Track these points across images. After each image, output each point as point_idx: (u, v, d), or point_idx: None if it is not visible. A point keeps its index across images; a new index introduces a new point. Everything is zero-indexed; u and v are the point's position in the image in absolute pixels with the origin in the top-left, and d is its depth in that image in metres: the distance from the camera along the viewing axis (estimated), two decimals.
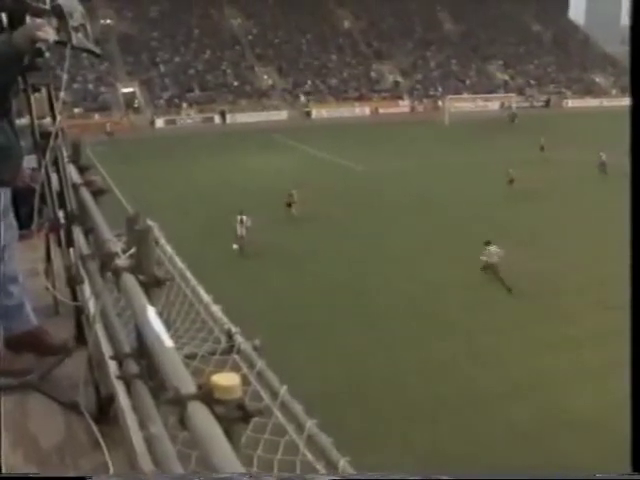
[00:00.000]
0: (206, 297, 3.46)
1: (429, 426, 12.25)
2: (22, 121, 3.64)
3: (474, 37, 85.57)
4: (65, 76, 3.17)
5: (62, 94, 3.46)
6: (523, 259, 20.20)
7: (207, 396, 1.79)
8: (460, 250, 21.27)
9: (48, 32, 3.06)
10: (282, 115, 64.20)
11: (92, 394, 3.19)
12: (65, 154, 3.85)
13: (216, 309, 3.42)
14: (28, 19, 3.11)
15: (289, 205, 26.90)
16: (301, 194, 26.99)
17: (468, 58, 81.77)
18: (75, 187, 4.30)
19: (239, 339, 3.22)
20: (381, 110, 67.69)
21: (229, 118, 62.18)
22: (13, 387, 3.44)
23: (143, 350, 2.63)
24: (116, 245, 3.07)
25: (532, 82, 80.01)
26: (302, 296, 18.46)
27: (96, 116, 58.95)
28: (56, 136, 3.32)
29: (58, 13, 3.11)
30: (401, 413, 12.63)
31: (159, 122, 60.59)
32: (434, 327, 16.46)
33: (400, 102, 71.07)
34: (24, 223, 4.04)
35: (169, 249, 3.79)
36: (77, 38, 3.14)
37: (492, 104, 71.03)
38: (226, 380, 1.81)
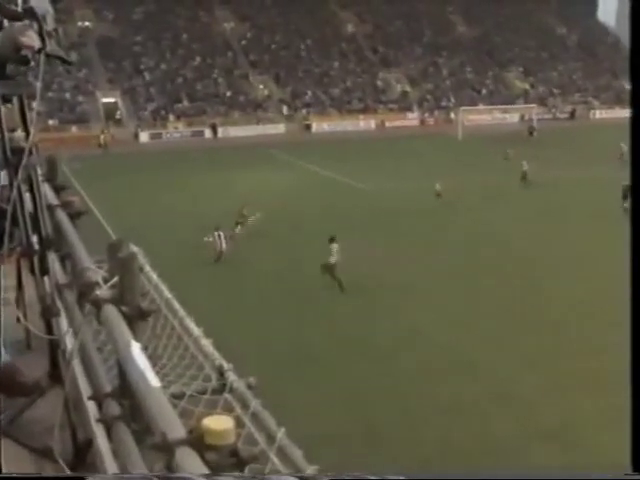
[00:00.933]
0: (196, 330, 3.43)
1: None
2: None
3: (490, 41, 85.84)
4: (39, 84, 3.17)
5: (36, 104, 3.42)
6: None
7: (198, 442, 1.78)
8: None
9: (32, 37, 3.03)
10: (279, 129, 64.43)
11: (68, 439, 3.16)
12: (39, 172, 3.82)
13: (207, 342, 3.39)
14: (6, 23, 3.08)
15: (239, 224, 27.18)
16: (302, 214, 27.00)
17: (484, 65, 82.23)
18: (51, 208, 4.30)
19: (232, 376, 3.21)
20: (388, 123, 68.31)
21: (221, 132, 62.26)
22: None
23: (126, 389, 2.62)
24: (96, 274, 3.07)
25: (555, 91, 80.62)
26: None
27: (73, 128, 59.33)
28: (30, 152, 3.27)
29: (31, 16, 3.07)
30: None
31: (143, 136, 60.72)
32: (450, 365, 16.72)
33: (409, 114, 71.83)
34: None
35: (154, 276, 3.77)
36: (50, 44, 3.12)
37: (511, 116, 71.25)
38: (218, 424, 1.80)
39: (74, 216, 4.49)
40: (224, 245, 24.75)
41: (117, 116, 63.45)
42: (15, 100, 3.34)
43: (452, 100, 73.79)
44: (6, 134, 3.30)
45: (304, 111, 68.58)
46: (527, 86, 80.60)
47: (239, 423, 2.75)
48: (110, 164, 46.01)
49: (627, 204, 28.58)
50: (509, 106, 72.17)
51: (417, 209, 31.44)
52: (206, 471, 1.73)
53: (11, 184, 3.30)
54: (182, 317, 3.58)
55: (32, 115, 3.37)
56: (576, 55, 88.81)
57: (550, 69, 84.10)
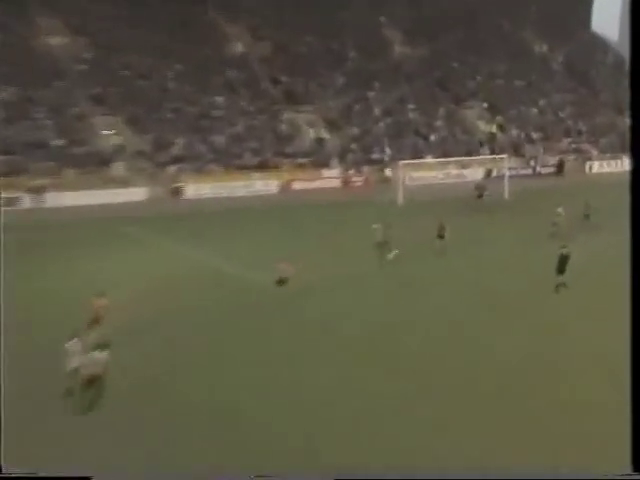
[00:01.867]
0: None
1: None
2: None
3: (441, 65, 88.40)
4: None
5: None
6: None
7: None
8: None
9: None
10: (137, 194, 63.54)
11: None
12: None
13: None
14: None
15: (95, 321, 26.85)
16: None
17: (433, 99, 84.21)
18: None
19: None
20: (296, 185, 69.20)
21: (49, 199, 60.50)
22: None
23: None
24: None
25: (535, 135, 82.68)
26: None
27: None
28: None
29: None
30: None
31: None
32: None
33: (325, 171, 72.93)
34: None
35: None
36: None
37: (472, 171, 73.18)
38: None
39: None
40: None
41: None
42: None
43: (388, 151, 75.16)
44: None
45: (173, 168, 67.30)
46: (494, 129, 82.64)
47: None
48: None
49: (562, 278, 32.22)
50: (470, 157, 73.41)
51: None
52: None
53: None
54: None
55: None
56: (563, 83, 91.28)
57: (527, 104, 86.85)
